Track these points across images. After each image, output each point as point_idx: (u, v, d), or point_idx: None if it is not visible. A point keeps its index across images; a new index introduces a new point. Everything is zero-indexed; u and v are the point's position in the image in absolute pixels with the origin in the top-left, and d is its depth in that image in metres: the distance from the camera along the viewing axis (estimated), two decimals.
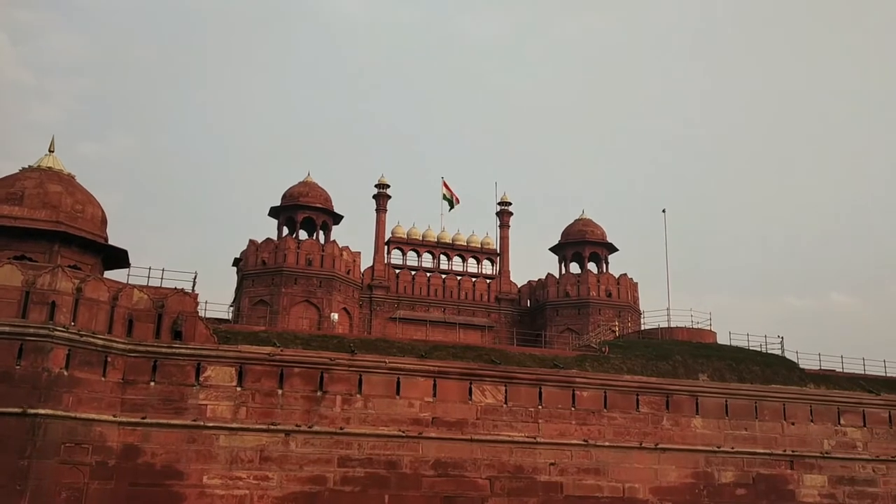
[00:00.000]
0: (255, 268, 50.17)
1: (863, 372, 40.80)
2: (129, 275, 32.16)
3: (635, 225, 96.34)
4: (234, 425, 29.33)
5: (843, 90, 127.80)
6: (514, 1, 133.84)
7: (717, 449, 34.91)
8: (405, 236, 57.84)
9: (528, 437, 32.56)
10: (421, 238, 58.10)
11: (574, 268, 58.20)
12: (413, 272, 56.41)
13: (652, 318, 50.38)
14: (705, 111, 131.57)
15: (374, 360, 31.70)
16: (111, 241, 33.59)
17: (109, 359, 28.29)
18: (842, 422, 37.47)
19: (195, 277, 31.73)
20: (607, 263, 57.89)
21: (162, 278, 31.37)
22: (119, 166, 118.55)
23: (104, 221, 33.87)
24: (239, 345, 30.54)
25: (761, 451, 35.56)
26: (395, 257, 57.14)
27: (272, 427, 29.68)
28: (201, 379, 29.51)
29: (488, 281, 57.87)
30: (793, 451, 36.07)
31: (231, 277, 55.93)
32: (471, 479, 31.43)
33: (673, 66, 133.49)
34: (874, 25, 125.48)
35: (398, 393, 31.61)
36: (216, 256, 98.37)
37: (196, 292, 31.06)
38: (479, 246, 59.06)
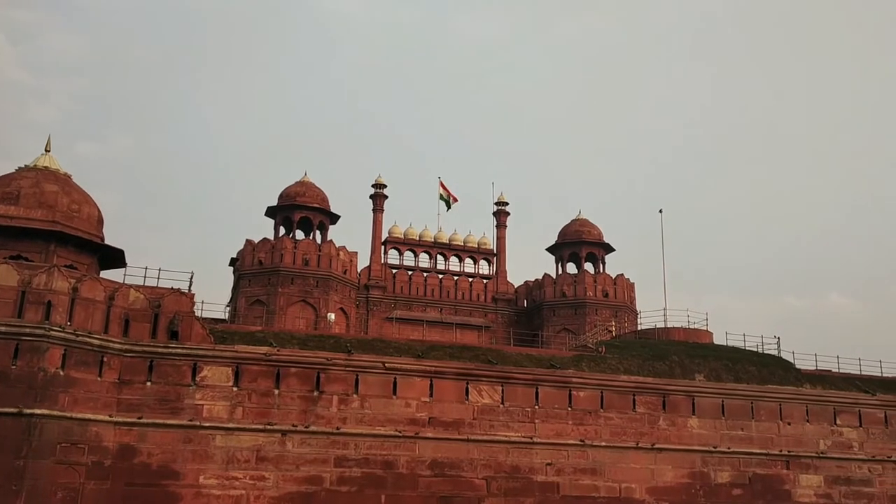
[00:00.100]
0: (251, 268, 50.10)
1: (859, 372, 40.92)
2: (125, 274, 32.19)
3: (633, 225, 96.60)
4: (231, 425, 29.31)
5: (843, 90, 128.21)
6: (513, 1, 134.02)
7: (713, 449, 34.96)
8: (402, 236, 57.80)
9: (524, 437, 32.58)
10: (418, 238, 58.08)
11: (571, 268, 58.20)
12: (410, 272, 56.38)
13: (648, 318, 50.31)
14: (703, 112, 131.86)
15: (370, 360, 31.70)
16: (107, 241, 33.58)
17: (105, 359, 28.26)
18: (838, 422, 37.55)
19: (192, 277, 31.73)
20: (604, 264, 57.92)
21: (158, 278, 31.37)
22: (116, 166, 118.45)
23: (100, 221, 33.84)
24: (235, 345, 30.53)
25: (757, 451, 35.63)
26: (392, 257, 57.11)
27: (268, 427, 29.66)
28: (198, 379, 29.48)
29: (485, 281, 57.86)
30: (789, 452, 36.14)
31: (227, 277, 55.95)
32: (467, 479, 31.45)
33: (671, 67, 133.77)
34: (874, 25, 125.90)
35: (395, 393, 31.62)
36: (213, 256, 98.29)
37: (192, 292, 31.06)
38: (476, 246, 59.04)
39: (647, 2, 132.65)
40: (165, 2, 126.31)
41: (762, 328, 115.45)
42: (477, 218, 69.42)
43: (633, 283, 56.95)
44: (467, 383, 32.70)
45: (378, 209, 56.48)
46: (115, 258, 33.69)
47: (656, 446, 34.14)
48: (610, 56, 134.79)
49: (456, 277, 57.29)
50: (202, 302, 35.39)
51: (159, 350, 29.29)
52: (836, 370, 41.00)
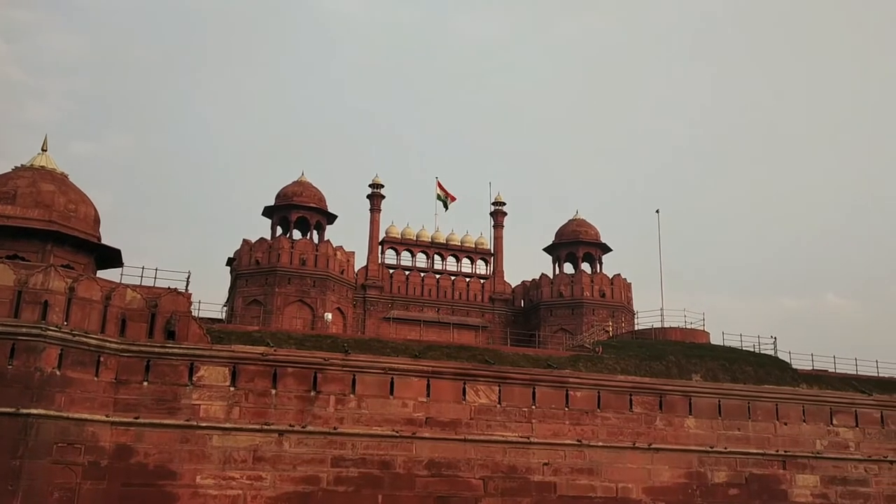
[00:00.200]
0: (248, 267, 50.07)
1: (855, 372, 40.97)
2: (122, 274, 32.16)
3: (631, 225, 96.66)
4: (228, 425, 29.28)
5: (843, 90, 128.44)
6: (513, 1, 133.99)
7: (710, 449, 34.99)
8: (399, 236, 57.83)
9: (521, 437, 32.59)
10: (415, 238, 58.10)
11: (568, 268, 58.26)
12: (407, 272, 56.41)
13: (645, 318, 50.64)
14: (703, 112, 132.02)
15: (367, 360, 31.69)
16: (104, 241, 33.50)
17: (102, 358, 28.21)
18: (834, 422, 37.60)
19: (188, 277, 31.69)
20: (601, 264, 57.97)
21: (155, 278, 31.33)
22: (112, 166, 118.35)
23: (97, 221, 33.78)
24: (232, 345, 30.50)
25: (754, 451, 35.66)
26: (389, 257, 57.16)
27: (265, 427, 29.64)
28: (194, 379, 29.45)
29: (482, 281, 57.89)
30: (785, 452, 36.19)
31: (224, 277, 55.88)
32: (464, 480, 31.45)
33: (671, 67, 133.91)
34: (874, 25, 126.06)
35: (392, 393, 31.61)
36: (210, 256, 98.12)
37: (189, 292, 31.01)
38: (474, 246, 59.08)
39: (647, 2, 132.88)
40: (163, 1, 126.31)
41: (759, 328, 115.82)
42: (474, 218, 69.79)
43: (629, 284, 57.02)
44: (464, 383, 32.71)
45: (375, 209, 56.49)
46: (112, 258, 33.64)
47: (653, 446, 34.16)
48: (610, 56, 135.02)
49: (453, 277, 57.33)
50: (199, 302, 35.34)
51: (156, 350, 29.25)
52: (833, 370, 41.05)
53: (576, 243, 57.75)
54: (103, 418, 27.79)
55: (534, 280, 57.73)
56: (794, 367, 39.74)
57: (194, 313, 31.36)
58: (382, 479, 30.47)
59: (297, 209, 52.41)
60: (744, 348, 40.82)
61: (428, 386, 32.20)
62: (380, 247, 56.52)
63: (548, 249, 59.22)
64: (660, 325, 42.90)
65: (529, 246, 75.81)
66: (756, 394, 36.59)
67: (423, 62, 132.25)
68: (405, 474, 30.81)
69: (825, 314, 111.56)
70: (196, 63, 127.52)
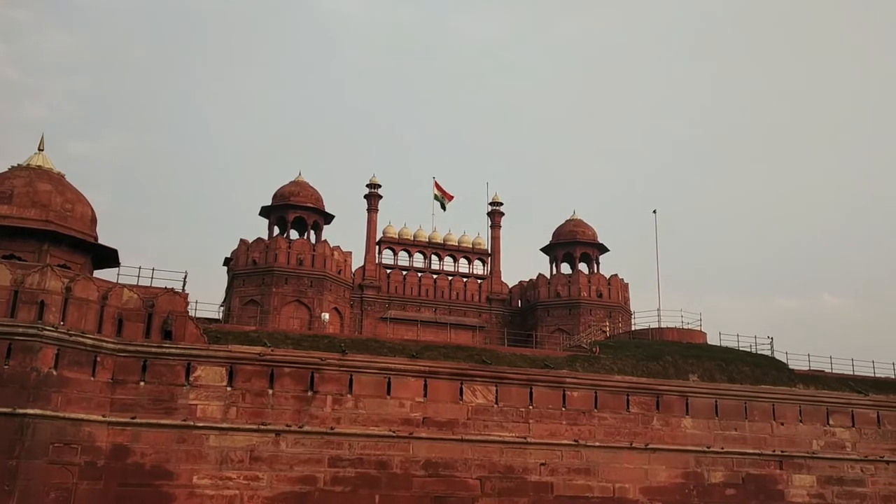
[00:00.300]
0: (245, 267, 50.04)
1: (851, 372, 41.03)
2: (118, 274, 32.12)
3: (629, 225, 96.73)
4: (225, 425, 29.25)
5: (841, 91, 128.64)
6: (513, 1, 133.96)
7: (706, 449, 35.03)
8: (396, 236, 57.82)
9: (518, 437, 32.60)
10: (412, 238, 58.10)
11: (565, 268, 58.31)
12: (404, 272, 56.40)
13: (642, 318, 50.59)
14: (701, 112, 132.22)
15: (364, 360, 31.68)
16: (101, 241, 33.46)
17: (99, 358, 28.17)
18: (831, 422, 37.66)
19: (185, 277, 31.66)
20: (598, 264, 58.02)
21: (152, 278, 31.32)
22: (110, 166, 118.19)
23: (94, 220, 33.73)
24: (229, 345, 30.47)
25: (751, 451, 35.71)
26: (387, 257, 57.14)
27: (262, 427, 29.62)
28: (191, 379, 29.42)
29: (479, 281, 57.90)
30: (782, 452, 36.24)
31: (221, 277, 55.84)
32: (461, 480, 31.45)
33: (669, 67, 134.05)
34: (874, 25, 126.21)
35: (389, 393, 31.60)
36: (207, 256, 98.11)
37: (186, 292, 30.98)
38: (471, 246, 59.10)
39: (647, 2, 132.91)
40: (162, 1, 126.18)
41: (756, 328, 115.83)
42: (471, 218, 69.71)
43: (627, 284, 57.07)
44: (461, 383, 32.70)
45: (373, 209, 56.48)
46: (109, 258, 33.59)
47: (650, 446, 34.19)
48: (609, 56, 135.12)
49: (450, 277, 57.33)
50: (196, 302, 35.39)
51: (153, 350, 29.22)
52: (829, 370, 41.11)
53: (573, 243, 57.79)
54: (100, 418, 27.75)
55: (531, 280, 57.76)
56: (790, 367, 39.79)
57: (191, 313, 31.36)
58: (379, 479, 30.46)
59: (295, 209, 52.38)
60: (740, 348, 40.88)
61: (425, 386, 32.19)
62: (377, 247, 56.52)
63: (545, 249, 59.26)
64: (657, 326, 42.93)
65: (527, 246, 75.90)
66: (753, 394, 36.64)
67: (422, 62, 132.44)
68: (402, 474, 30.81)
69: (822, 314, 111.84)
70: (194, 63, 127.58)
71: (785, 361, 40.21)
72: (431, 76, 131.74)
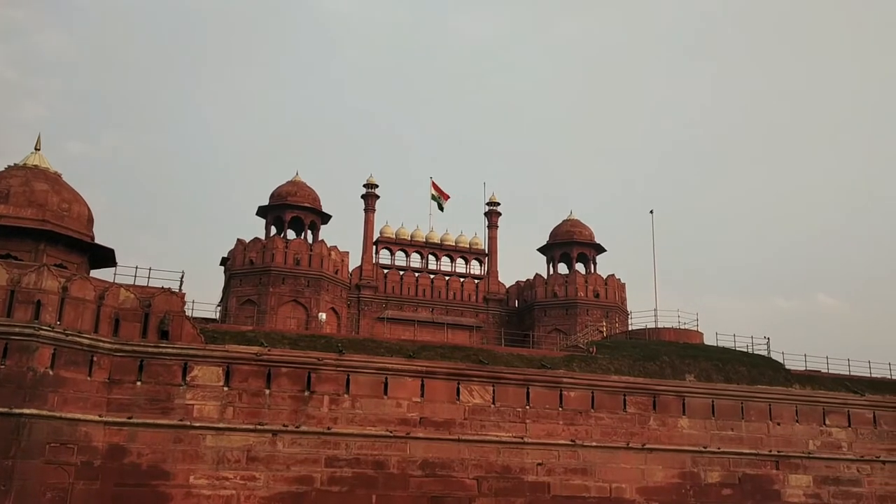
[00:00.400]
0: (242, 267, 50.01)
1: (848, 373, 41.11)
2: (115, 274, 32.06)
3: (626, 226, 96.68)
4: (221, 425, 29.23)
5: (841, 91, 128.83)
6: (511, 1, 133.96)
7: (703, 449, 35.08)
8: (393, 236, 57.80)
9: (515, 437, 32.62)
10: (409, 238, 58.07)
11: (562, 268, 58.32)
12: (401, 272, 56.38)
13: (639, 318, 50.72)
14: (701, 112, 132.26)
15: (361, 360, 31.68)
16: (98, 240, 33.43)
17: (95, 358, 28.15)
18: (827, 422, 37.73)
19: (182, 277, 31.63)
20: (595, 264, 58.05)
21: (149, 277, 31.27)
22: (107, 165, 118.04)
23: (90, 220, 33.69)
24: (226, 344, 30.45)
25: (747, 451, 35.76)
26: (384, 257, 57.09)
27: (259, 427, 29.61)
28: (188, 379, 29.40)
29: (476, 281, 57.91)
30: (778, 452, 36.29)
31: (218, 277, 55.77)
32: (458, 480, 31.46)
33: (669, 67, 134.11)
34: (874, 25, 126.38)
35: (386, 393, 31.61)
36: (204, 256, 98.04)
37: (183, 292, 30.97)
38: (468, 246, 59.10)
39: (646, 2, 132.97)
40: (160, 1, 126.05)
41: (752, 329, 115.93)
42: (469, 218, 69.66)
43: (623, 284, 57.11)
44: (458, 383, 32.71)
45: (370, 209, 56.47)
46: (106, 257, 33.56)
47: (647, 446, 34.23)
48: (609, 56, 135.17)
49: (447, 277, 57.30)
50: (193, 301, 35.24)
51: (149, 350, 29.19)
52: (826, 371, 41.19)
53: (570, 244, 57.82)
54: (96, 418, 27.72)
55: (528, 280, 57.77)
56: (787, 367, 39.86)
57: (188, 313, 31.31)
58: (376, 479, 30.46)
59: (292, 209, 52.35)
60: (737, 349, 40.94)
61: (422, 386, 32.20)
62: (374, 247, 56.50)
63: (542, 250, 59.28)
64: (653, 326, 43.00)
65: (524, 246, 75.90)
66: (749, 394, 36.70)
67: (420, 62, 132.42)
68: (399, 474, 30.81)
69: (818, 315, 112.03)
70: (192, 63, 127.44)
71: (781, 361, 40.28)
72: (430, 76, 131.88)
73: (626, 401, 34.75)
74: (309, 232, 52.99)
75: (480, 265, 59.03)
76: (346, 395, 31.08)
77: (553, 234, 59.04)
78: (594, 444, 33.56)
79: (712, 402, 36.01)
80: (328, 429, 30.40)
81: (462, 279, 57.73)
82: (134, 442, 28.11)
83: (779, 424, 36.76)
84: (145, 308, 29.76)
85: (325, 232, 53.73)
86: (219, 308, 51.21)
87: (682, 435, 35.03)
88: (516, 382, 33.45)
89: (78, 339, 27.60)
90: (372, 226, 56.46)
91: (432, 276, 56.87)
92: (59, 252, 31.56)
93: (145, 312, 29.73)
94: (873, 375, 41.34)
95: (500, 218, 59.88)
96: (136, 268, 31.38)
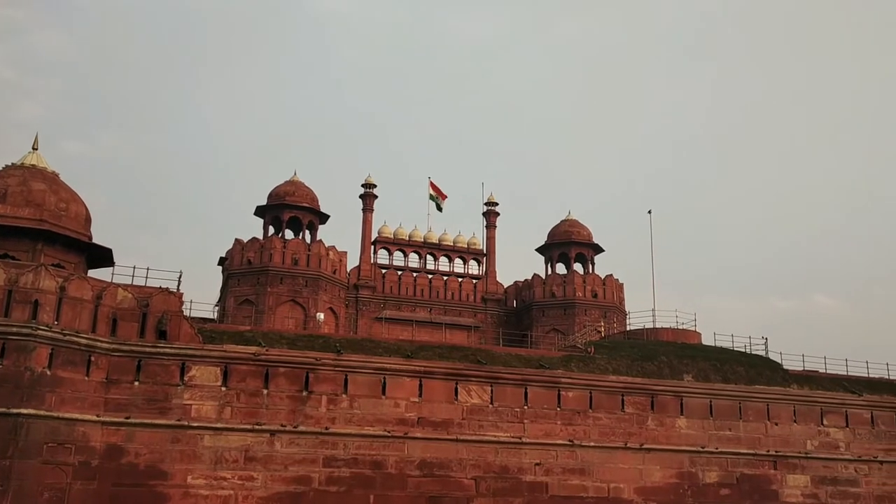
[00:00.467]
0: (240, 267, 49.96)
1: (845, 373, 41.13)
2: (113, 274, 32.02)
3: (625, 226, 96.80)
4: (219, 425, 29.21)
5: (841, 91, 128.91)
6: (510, 1, 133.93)
7: (701, 449, 35.09)
8: (392, 236, 57.76)
9: (513, 437, 32.62)
10: (407, 238, 58.04)
11: (560, 268, 58.30)
12: (399, 272, 56.34)
13: (637, 318, 50.49)
14: (698, 112, 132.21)
15: (359, 360, 31.67)
16: (95, 240, 33.38)
17: (93, 358, 28.11)
18: (825, 422, 37.77)
19: (180, 277, 31.60)
20: (593, 264, 58.05)
21: (146, 277, 31.22)
22: (105, 165, 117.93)
23: (88, 220, 33.64)
24: (224, 344, 30.43)
25: (745, 451, 35.79)
26: (382, 257, 57.04)
27: (257, 427, 29.59)
28: (186, 379, 29.37)
29: (474, 281, 57.88)
30: (776, 452, 36.32)
31: (216, 277, 55.76)
32: (456, 480, 31.46)
33: (669, 67, 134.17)
34: (874, 25, 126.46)
35: (384, 393, 31.60)
36: (202, 256, 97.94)
37: (181, 291, 30.94)
38: (466, 246, 59.06)
39: (646, 2, 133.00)
40: (159, 1, 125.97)
41: (750, 329, 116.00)
42: (467, 218, 69.68)
43: (622, 284, 57.12)
44: (456, 383, 32.71)
45: (368, 209, 56.43)
46: (103, 257, 33.52)
47: (645, 446, 34.24)
48: (609, 56, 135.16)
49: (445, 277, 57.28)
50: (191, 301, 35.34)
51: (147, 350, 29.16)
52: (824, 371, 41.22)
53: (568, 244, 57.81)
54: (94, 418, 27.69)
55: (526, 280, 57.75)
56: (785, 367, 39.89)
57: (186, 313, 31.28)
58: (374, 479, 30.45)
59: (290, 209, 52.31)
60: (735, 349, 40.97)
61: (420, 386, 32.20)
62: (372, 247, 56.45)
63: (540, 250, 59.27)
64: (651, 326, 43.02)
65: (522, 246, 75.82)
66: (747, 394, 36.72)
67: (419, 62, 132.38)
68: (397, 474, 30.80)
69: (816, 315, 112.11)
70: (190, 62, 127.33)
71: (779, 362, 40.31)
72: (428, 76, 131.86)
73: (624, 401, 34.76)
74: (307, 232, 52.96)
75: (478, 265, 59.01)
76: (344, 395, 31.07)
77: (551, 234, 59.04)
78: (592, 444, 33.57)
79: (710, 402, 36.04)
80: (326, 429, 30.39)
81: (460, 279, 57.70)
82: (131, 442, 28.08)
83: (777, 424, 36.79)
84: (143, 308, 29.74)
85: (323, 232, 53.74)
86: (217, 308, 51.16)
87: (679, 435, 35.04)
88: (514, 382, 33.45)
89: (75, 338, 27.56)
90: (370, 226, 56.42)
91: (430, 276, 56.85)
92: (57, 252, 31.52)
93: (143, 312, 29.70)
94: (871, 376, 41.38)
95: (499, 218, 59.86)
96: (134, 268, 31.39)
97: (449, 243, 58.67)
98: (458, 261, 58.87)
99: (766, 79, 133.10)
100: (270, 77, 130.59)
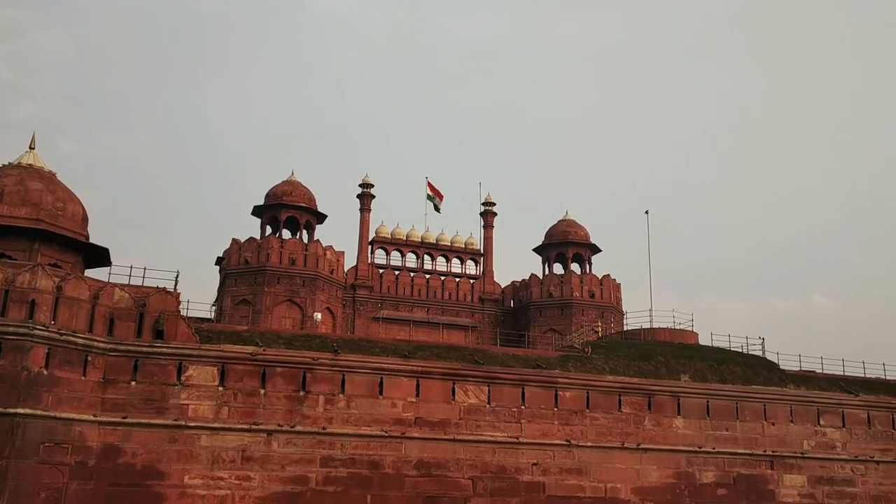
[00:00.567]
0: (237, 267, 49.93)
1: (842, 373, 41.18)
2: (110, 273, 32.03)
3: (623, 226, 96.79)
4: (216, 425, 29.19)
5: (837, 93, 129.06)
6: (509, 1, 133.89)
7: (698, 449, 35.13)
8: (389, 236, 57.78)
9: (510, 437, 32.63)
10: (405, 238, 58.06)
11: (557, 268, 58.35)
12: (397, 272, 56.36)
13: (634, 318, 50.54)
14: (695, 113, 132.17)
15: (357, 360, 31.66)
16: (92, 240, 33.34)
17: (90, 358, 28.08)
18: (821, 422, 37.81)
19: (177, 276, 31.59)
20: (591, 264, 58.08)
21: (144, 277, 31.21)
22: (102, 165, 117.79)
23: (85, 219, 33.61)
24: (221, 344, 30.40)
25: (742, 451, 35.83)
26: (379, 257, 57.07)
27: (254, 427, 29.57)
28: (183, 378, 29.34)
29: (472, 281, 57.90)
30: (773, 452, 36.36)
31: (214, 276, 55.68)
32: (453, 479, 31.46)
33: (669, 67, 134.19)
34: (874, 25, 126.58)
35: (381, 393, 31.59)
36: (199, 255, 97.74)
37: (178, 291, 30.90)
38: (463, 246, 59.08)
39: (646, 2, 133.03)
40: (157, 1, 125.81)
41: (747, 329, 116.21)
42: (464, 218, 69.71)
43: (619, 284, 57.16)
44: (454, 383, 32.72)
45: (365, 209, 56.42)
46: (100, 257, 33.49)
47: (642, 446, 34.27)
48: (608, 56, 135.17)
49: (443, 277, 57.32)
50: (188, 301, 35.13)
51: (144, 349, 29.13)
52: (820, 371, 41.26)
53: (565, 244, 57.83)
54: (91, 418, 27.65)
55: (523, 280, 57.79)
56: (781, 367, 39.93)
57: (183, 313, 31.25)
58: (371, 479, 30.45)
59: (287, 209, 52.28)
60: (732, 349, 40.99)
61: (417, 386, 32.20)
62: (370, 247, 56.45)
63: (537, 250, 59.29)
64: (649, 326, 43.02)
65: (520, 246, 75.85)
66: (744, 394, 36.76)
67: (417, 62, 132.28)
68: (394, 474, 30.80)
69: (813, 315, 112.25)
70: (188, 62, 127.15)
71: (776, 362, 40.36)
72: (427, 76, 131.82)
73: (622, 401, 34.78)
74: (304, 232, 52.94)
75: (476, 265, 59.05)
76: (341, 395, 31.06)
77: (549, 234, 59.06)
78: (589, 444, 33.59)
79: (707, 402, 36.07)
80: (323, 429, 30.37)
81: (458, 279, 57.72)
82: (128, 442, 28.05)
83: (773, 424, 36.83)
84: (140, 308, 29.71)
85: (320, 232, 53.72)
86: (214, 308, 51.13)
87: (676, 435, 35.08)
88: (512, 382, 33.46)
89: (72, 338, 27.53)
90: (367, 225, 56.42)
91: (428, 276, 56.86)
92: (54, 251, 31.48)
93: (140, 312, 29.67)
94: (867, 376, 41.42)
95: (496, 218, 59.92)
96: (131, 267, 31.37)
97: (446, 243, 58.69)
98: (455, 261, 58.89)
99: (765, 79, 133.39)
100: (269, 77, 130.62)
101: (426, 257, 58.24)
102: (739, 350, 41.13)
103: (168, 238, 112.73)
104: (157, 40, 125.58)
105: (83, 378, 27.80)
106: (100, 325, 28.71)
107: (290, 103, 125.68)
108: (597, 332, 50.09)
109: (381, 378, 31.75)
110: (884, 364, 42.38)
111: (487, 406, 32.89)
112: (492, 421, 32.67)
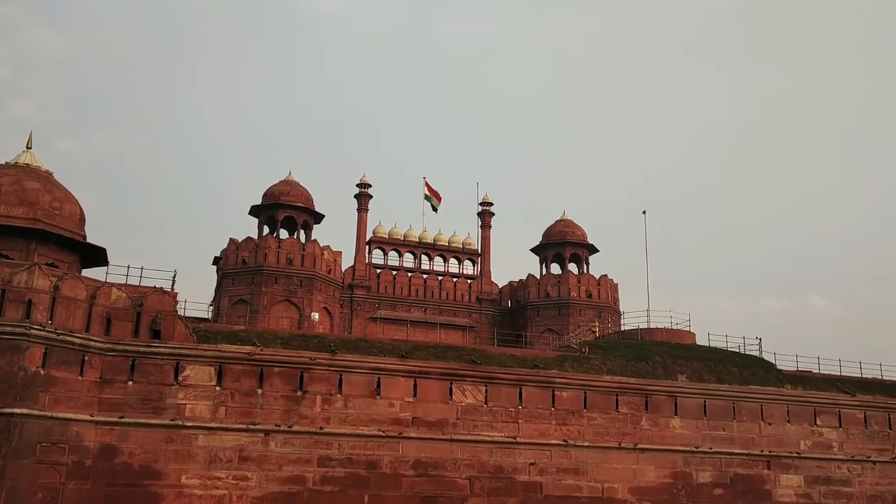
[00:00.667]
0: (235, 267, 49.91)
1: (839, 373, 41.25)
2: (107, 273, 31.97)
3: (621, 226, 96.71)
4: (213, 425, 29.16)
5: (837, 93, 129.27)
6: (508, 1, 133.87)
7: (695, 449, 35.16)
8: (386, 236, 57.81)
9: (508, 437, 32.64)
10: (402, 238, 58.10)
11: (555, 268, 58.41)
12: (394, 272, 56.40)
13: (632, 318, 50.61)
14: (694, 114, 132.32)
15: (354, 359, 31.65)
16: (89, 239, 33.30)
17: (87, 358, 28.04)
18: (818, 422, 37.86)
19: (174, 276, 31.55)
20: (588, 264, 58.13)
21: (141, 277, 31.20)
22: (99, 164, 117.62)
23: (82, 219, 33.56)
24: (218, 344, 30.38)
25: (739, 451, 35.86)
26: (377, 257, 57.13)
27: (251, 427, 29.55)
28: (180, 378, 29.32)
29: (469, 281, 57.94)
30: (770, 452, 36.41)
31: (211, 276, 55.67)
32: (451, 479, 31.46)
33: (667, 68, 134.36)
34: (876, 25, 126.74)
35: (378, 393, 31.58)
36: (196, 255, 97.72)
37: (175, 291, 30.86)
38: (461, 246, 59.13)
39: (647, 2, 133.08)
40: (154, 1, 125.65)
41: (744, 329, 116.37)
42: (462, 218, 69.79)
43: (616, 284, 57.23)
44: (451, 383, 32.72)
45: (363, 209, 56.45)
46: (97, 256, 33.43)
47: (639, 446, 34.29)
48: (608, 57, 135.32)
49: (440, 278, 57.36)
50: (185, 301, 35.23)
51: (141, 349, 29.09)
52: (817, 371, 41.32)
53: (563, 244, 57.88)
54: (88, 418, 27.62)
55: (521, 280, 57.83)
56: (778, 367, 39.99)
57: (180, 312, 31.23)
58: (369, 479, 30.44)
59: (284, 208, 52.27)
60: (729, 349, 41.04)
61: (415, 386, 32.19)
62: (367, 247, 56.48)
63: (535, 250, 59.33)
64: (646, 326, 43.05)
65: (517, 246, 75.92)
66: (741, 394, 36.80)
67: (416, 62, 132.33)
68: (391, 474, 30.80)
69: (810, 315, 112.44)
70: (179, 61, 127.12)
71: (773, 362, 40.42)
72: (425, 76, 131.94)
73: (619, 401, 34.81)
74: (302, 231, 52.93)
75: (473, 265, 59.10)
76: (338, 395, 31.05)
77: (546, 234, 59.11)
78: (586, 444, 33.61)
79: (704, 402, 36.10)
80: (320, 429, 30.36)
81: (455, 279, 57.77)
82: (125, 442, 28.02)
83: (770, 425, 36.87)
84: (137, 307, 29.67)
85: (317, 231, 53.73)
86: (211, 308, 51.09)
87: (673, 435, 35.11)
88: (509, 382, 33.47)
89: (69, 338, 27.49)
90: (365, 226, 56.45)
91: (425, 276, 56.87)
92: (51, 251, 31.43)
93: (137, 312, 29.64)
94: (864, 376, 41.50)
95: (494, 218, 59.98)
96: (129, 267, 31.37)
97: (444, 243, 58.74)
98: (452, 261, 58.95)
99: (765, 79, 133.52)
100: (267, 76, 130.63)
101: (423, 257, 58.28)
102: (736, 350, 41.20)
103: (165, 238, 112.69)
104: (155, 40, 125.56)
105: (80, 378, 27.76)
106: (97, 325, 28.67)
107: (287, 103, 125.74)
108: (594, 332, 50.12)
109: (379, 378, 31.74)
110: (880, 364, 42.51)
111: (485, 406, 32.90)
112: (489, 421, 32.67)
